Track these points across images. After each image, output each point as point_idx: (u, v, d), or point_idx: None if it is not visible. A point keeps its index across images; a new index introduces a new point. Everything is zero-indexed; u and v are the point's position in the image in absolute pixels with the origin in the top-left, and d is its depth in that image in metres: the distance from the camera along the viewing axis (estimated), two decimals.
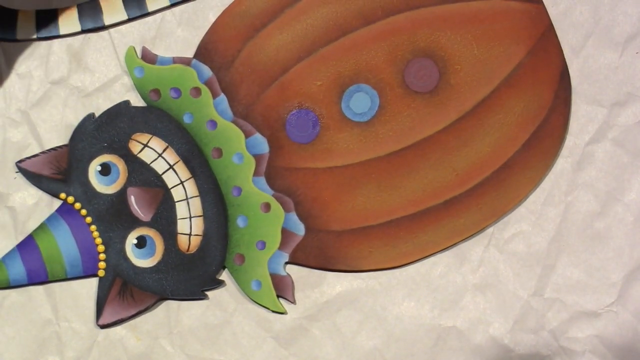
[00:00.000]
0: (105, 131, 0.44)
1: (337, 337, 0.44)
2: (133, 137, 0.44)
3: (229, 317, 0.44)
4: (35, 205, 0.44)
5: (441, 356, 0.44)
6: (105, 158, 0.44)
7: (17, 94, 0.45)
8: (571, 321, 0.44)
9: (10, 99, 0.45)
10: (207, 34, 0.44)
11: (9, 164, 0.45)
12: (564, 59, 0.44)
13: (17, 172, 0.44)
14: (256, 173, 0.44)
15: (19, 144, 0.45)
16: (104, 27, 0.45)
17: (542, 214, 0.44)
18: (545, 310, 0.44)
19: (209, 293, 0.44)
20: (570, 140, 0.44)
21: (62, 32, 0.45)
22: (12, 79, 0.45)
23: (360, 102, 0.44)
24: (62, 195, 0.44)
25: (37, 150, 0.45)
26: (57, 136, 0.45)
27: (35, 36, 0.44)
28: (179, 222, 0.43)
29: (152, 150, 0.44)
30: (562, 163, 0.44)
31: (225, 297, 0.44)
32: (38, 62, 0.45)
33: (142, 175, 0.44)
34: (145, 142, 0.44)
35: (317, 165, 0.44)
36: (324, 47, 0.44)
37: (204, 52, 0.44)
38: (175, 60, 0.44)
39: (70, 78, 0.45)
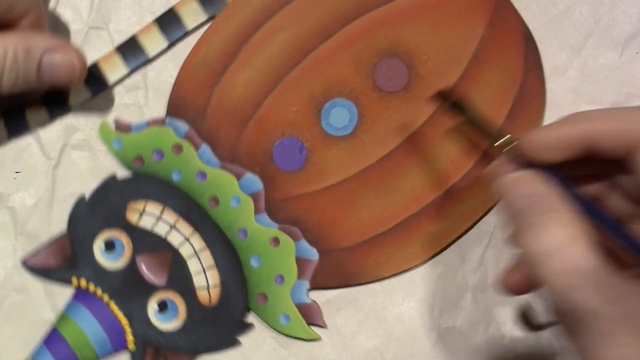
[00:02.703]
0: (100, 209, 0.44)
1: (337, 337, 0.44)
2: (128, 207, 0.44)
3: None
4: (35, 205, 0.44)
5: (441, 356, 0.44)
6: (106, 235, 0.44)
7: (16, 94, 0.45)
8: None
9: (9, 99, 0.45)
10: (173, 90, 0.44)
11: (9, 164, 0.45)
12: (524, 22, 0.44)
13: (17, 172, 0.44)
14: (257, 211, 0.44)
15: (19, 144, 0.45)
16: (109, 86, 0.45)
17: None
18: (545, 310, 0.44)
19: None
20: None
21: (72, 102, 0.45)
22: None
23: (339, 117, 0.44)
24: (74, 280, 0.44)
25: (36, 150, 0.45)
26: (57, 136, 0.45)
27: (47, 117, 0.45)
28: (195, 278, 0.43)
29: (151, 215, 0.44)
30: None
31: None
32: None
33: (146, 241, 0.44)
34: (141, 209, 0.44)
35: (313, 188, 0.44)
36: (289, 73, 0.44)
37: (175, 109, 0.44)
38: (150, 123, 0.44)
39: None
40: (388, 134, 0.44)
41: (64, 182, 0.44)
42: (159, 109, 0.45)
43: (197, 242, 0.44)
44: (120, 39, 0.45)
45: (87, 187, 0.44)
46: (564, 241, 0.31)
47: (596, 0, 0.45)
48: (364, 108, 0.44)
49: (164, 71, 0.45)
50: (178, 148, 0.44)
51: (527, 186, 0.33)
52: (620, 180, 0.35)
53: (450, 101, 0.38)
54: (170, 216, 0.44)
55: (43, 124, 0.45)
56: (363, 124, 0.44)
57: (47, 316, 0.44)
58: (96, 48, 0.45)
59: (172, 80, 0.45)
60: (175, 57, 0.45)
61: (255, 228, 0.44)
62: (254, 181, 0.44)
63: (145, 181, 0.44)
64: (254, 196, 0.44)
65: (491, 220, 0.44)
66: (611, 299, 0.30)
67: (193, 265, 0.44)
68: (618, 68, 0.44)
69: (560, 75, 0.44)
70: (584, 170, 0.36)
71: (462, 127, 0.41)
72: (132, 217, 0.44)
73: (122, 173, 0.44)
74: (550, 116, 0.44)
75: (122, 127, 0.44)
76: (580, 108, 0.44)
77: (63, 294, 0.44)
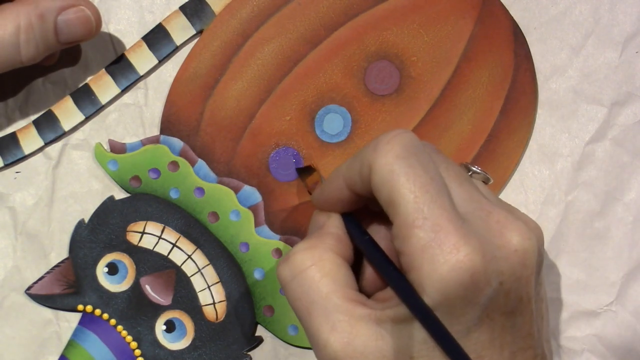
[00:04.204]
0: (100, 232, 0.44)
1: None
2: (128, 228, 0.44)
3: None
4: (35, 205, 0.44)
5: None
6: (108, 258, 0.44)
7: (16, 94, 0.45)
8: (570, 320, 0.44)
9: (9, 99, 0.45)
10: (165, 107, 0.44)
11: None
12: (512, 17, 0.44)
13: (17, 172, 0.44)
14: (257, 224, 0.44)
15: None
16: (64, 134, 0.44)
17: (542, 214, 0.44)
18: None
19: None
20: (570, 140, 0.44)
21: (26, 152, 0.44)
22: (12, 80, 0.45)
23: (333, 123, 0.44)
24: (80, 306, 0.43)
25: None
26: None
27: (1, 164, 0.44)
28: (200, 295, 0.43)
29: (151, 235, 0.44)
30: (562, 162, 0.44)
31: None
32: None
33: (149, 262, 0.44)
34: (142, 230, 0.44)
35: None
36: (281, 83, 0.44)
37: (168, 126, 0.44)
38: (144, 142, 0.44)
39: (70, 78, 0.45)
40: None
41: (64, 182, 0.44)
42: (159, 109, 0.44)
43: (200, 258, 0.44)
44: (120, 38, 0.45)
45: (87, 187, 0.44)
46: (307, 267, 0.35)
47: (596, 0, 0.45)
48: (357, 113, 0.44)
49: (164, 71, 0.45)
50: (174, 165, 0.44)
51: (317, 218, 0.38)
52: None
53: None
54: (171, 235, 0.44)
55: (40, 150, 0.44)
56: (357, 129, 0.44)
57: (47, 316, 0.44)
58: (96, 48, 0.45)
59: (171, 80, 0.44)
60: (174, 57, 0.45)
61: (256, 241, 0.44)
62: (253, 194, 0.44)
63: (143, 201, 0.44)
64: (253, 209, 0.44)
65: None
66: (338, 326, 0.33)
67: (197, 283, 0.44)
68: (618, 67, 0.45)
69: (560, 75, 0.44)
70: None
71: None
72: (133, 238, 0.44)
73: (119, 193, 0.44)
74: (550, 115, 0.44)
75: (116, 148, 0.44)
76: (580, 107, 0.44)
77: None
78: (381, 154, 0.33)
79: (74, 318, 0.44)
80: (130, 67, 0.44)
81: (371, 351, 0.32)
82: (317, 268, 0.34)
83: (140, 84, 0.44)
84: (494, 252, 0.32)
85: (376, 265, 0.36)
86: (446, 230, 0.31)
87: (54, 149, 0.44)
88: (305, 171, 0.43)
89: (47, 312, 0.44)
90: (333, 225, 0.37)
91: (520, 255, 0.33)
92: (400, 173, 0.32)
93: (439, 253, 0.31)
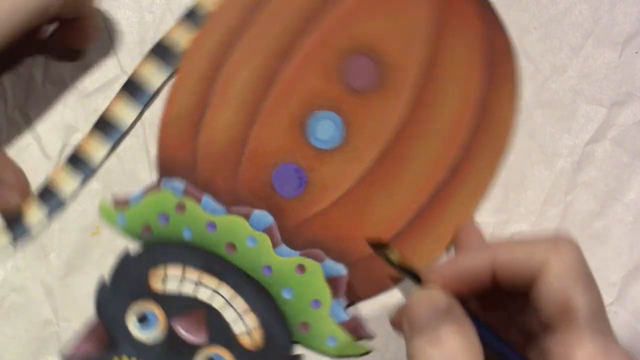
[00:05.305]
0: (122, 287, 0.44)
1: None
2: (150, 276, 0.44)
3: None
4: None
5: None
6: (136, 309, 0.44)
7: (16, 94, 0.45)
8: None
9: (9, 99, 0.45)
10: (158, 152, 0.44)
11: None
12: None
13: None
14: (274, 245, 0.44)
15: (19, 144, 0.45)
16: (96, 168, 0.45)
17: (541, 214, 0.44)
18: None
19: None
20: (569, 140, 0.45)
21: (66, 195, 0.45)
22: (12, 80, 0.45)
23: (325, 129, 0.44)
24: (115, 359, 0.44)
25: (36, 151, 0.44)
26: (57, 136, 0.45)
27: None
28: (233, 326, 0.43)
29: (174, 279, 0.44)
30: (562, 163, 0.44)
31: None
32: (38, 61, 0.45)
33: (177, 305, 0.43)
34: (163, 275, 0.44)
35: (321, 206, 0.44)
36: (264, 102, 0.44)
37: (166, 169, 0.44)
38: (146, 191, 0.44)
39: (70, 78, 0.45)
40: (378, 132, 0.44)
41: None
42: (157, 111, 0.44)
43: (226, 291, 0.44)
44: (120, 39, 0.45)
45: (88, 186, 0.44)
46: (459, 352, 0.32)
47: (596, 0, 0.45)
48: (346, 114, 0.44)
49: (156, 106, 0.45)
50: (181, 207, 0.44)
51: (432, 298, 0.34)
52: (520, 314, 0.36)
53: (384, 253, 0.38)
54: (192, 274, 0.44)
55: (40, 225, 0.44)
56: (350, 130, 0.44)
57: (46, 316, 0.44)
58: (97, 48, 0.45)
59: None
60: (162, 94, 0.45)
61: (278, 261, 0.44)
62: (264, 217, 0.44)
63: (159, 248, 0.44)
64: (268, 231, 0.44)
65: None
66: None
67: (228, 315, 0.43)
68: (617, 67, 0.45)
69: (560, 75, 0.45)
70: (487, 303, 0.37)
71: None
72: (156, 284, 0.44)
73: (133, 245, 0.44)
74: (550, 115, 0.45)
75: (120, 202, 0.44)
76: (580, 108, 0.45)
77: (63, 294, 0.44)
78: (563, 254, 0.33)
79: (74, 318, 0.44)
80: (112, 125, 0.44)
81: None
82: (470, 356, 0.33)
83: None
84: None
85: None
86: (613, 345, 0.33)
87: (54, 149, 0.44)
88: (378, 247, 0.40)
89: (46, 312, 0.44)
90: (460, 312, 0.34)
91: None
92: (583, 280, 0.33)
93: None
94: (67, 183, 0.44)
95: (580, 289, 0.33)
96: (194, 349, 0.43)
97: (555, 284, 0.33)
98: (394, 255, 0.37)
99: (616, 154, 0.45)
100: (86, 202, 0.44)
